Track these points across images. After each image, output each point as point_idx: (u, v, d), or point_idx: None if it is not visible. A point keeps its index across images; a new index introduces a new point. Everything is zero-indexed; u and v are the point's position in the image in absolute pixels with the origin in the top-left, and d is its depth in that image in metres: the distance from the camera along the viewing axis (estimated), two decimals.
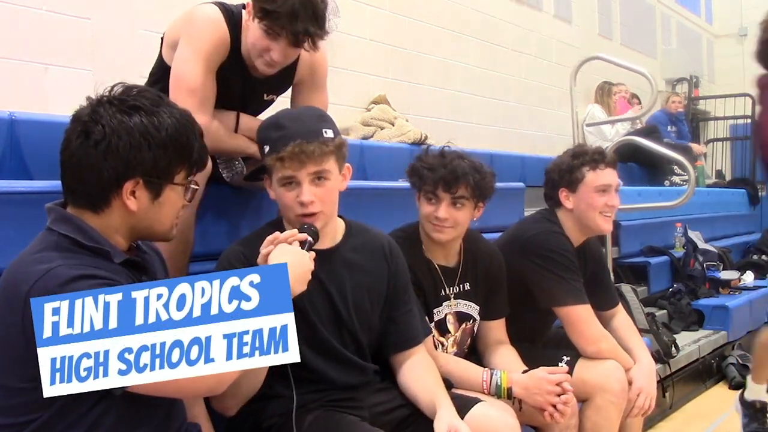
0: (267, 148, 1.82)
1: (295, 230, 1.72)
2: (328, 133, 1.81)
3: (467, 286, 2.38)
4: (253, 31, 2.09)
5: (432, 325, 2.29)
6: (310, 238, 1.71)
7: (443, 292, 2.33)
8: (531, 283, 2.54)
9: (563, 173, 2.62)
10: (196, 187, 1.51)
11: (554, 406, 2.11)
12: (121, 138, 1.35)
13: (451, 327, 2.36)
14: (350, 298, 1.91)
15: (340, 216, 1.97)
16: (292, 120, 1.84)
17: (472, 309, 2.40)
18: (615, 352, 2.52)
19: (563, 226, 2.63)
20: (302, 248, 1.68)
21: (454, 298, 2.35)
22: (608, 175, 2.58)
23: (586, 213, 2.59)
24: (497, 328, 2.45)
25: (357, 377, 1.93)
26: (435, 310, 2.31)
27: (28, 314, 1.26)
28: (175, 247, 2.05)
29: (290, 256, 1.60)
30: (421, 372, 1.97)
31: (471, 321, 2.41)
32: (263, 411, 1.83)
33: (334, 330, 1.89)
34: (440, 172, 2.19)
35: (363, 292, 1.94)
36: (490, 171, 2.28)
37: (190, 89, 2.09)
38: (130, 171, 1.37)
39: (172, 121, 1.40)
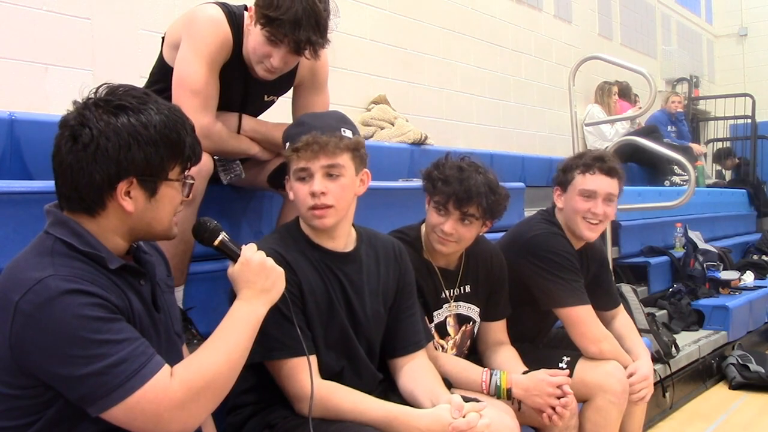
0: (287, 145, 1.84)
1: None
2: (347, 133, 1.83)
3: (467, 289, 2.38)
4: (254, 36, 2.08)
5: (432, 326, 2.28)
6: (224, 236, 1.60)
7: (443, 295, 2.32)
8: (532, 284, 2.54)
9: (560, 171, 2.63)
10: (192, 181, 1.50)
11: (553, 408, 2.11)
12: (110, 139, 1.33)
13: (450, 329, 2.35)
14: (368, 302, 1.91)
15: None
16: (314, 118, 1.89)
17: (472, 311, 2.40)
18: (616, 353, 2.52)
19: (563, 226, 2.63)
20: (228, 255, 1.59)
21: (454, 301, 2.34)
22: (597, 182, 2.53)
23: (569, 215, 2.59)
24: (498, 329, 2.44)
25: (367, 382, 1.92)
26: (435, 313, 2.30)
27: (15, 323, 1.26)
28: (176, 248, 2.05)
29: (256, 282, 1.54)
30: (422, 376, 1.96)
31: (471, 323, 2.40)
32: (271, 413, 1.83)
33: (353, 333, 1.89)
34: (454, 187, 2.13)
35: (378, 295, 1.95)
36: (505, 192, 2.22)
37: (194, 90, 2.09)
38: (122, 171, 1.35)
39: (160, 118, 1.38)
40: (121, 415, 1.29)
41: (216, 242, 1.59)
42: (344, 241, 1.91)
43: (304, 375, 1.72)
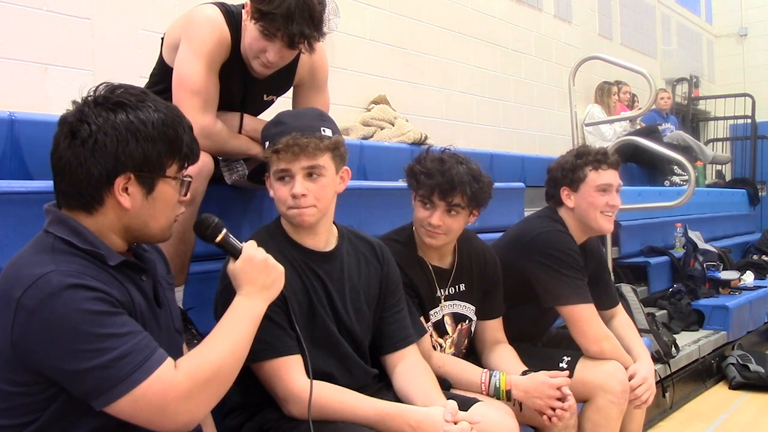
0: (267, 144, 1.84)
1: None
2: (326, 132, 1.82)
3: (462, 287, 2.37)
4: (250, 32, 2.09)
5: (430, 326, 2.29)
6: (226, 232, 1.59)
7: (438, 293, 2.32)
8: (535, 281, 2.54)
9: (566, 172, 2.63)
10: (190, 179, 1.50)
11: (553, 410, 2.11)
12: (108, 135, 1.36)
13: (449, 328, 2.35)
14: (349, 299, 1.92)
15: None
16: (293, 117, 1.88)
17: (468, 309, 2.40)
18: (617, 352, 2.52)
19: (567, 224, 2.64)
20: (229, 252, 1.59)
21: (447, 300, 2.34)
22: (610, 176, 2.60)
23: (587, 212, 2.60)
24: (495, 327, 2.44)
25: (359, 379, 1.92)
26: (432, 312, 2.30)
27: (18, 319, 1.26)
28: (176, 248, 2.05)
29: (252, 276, 1.55)
30: (416, 376, 1.96)
31: (467, 321, 2.40)
32: (265, 415, 1.82)
33: (337, 331, 1.89)
34: (437, 178, 2.16)
35: (360, 293, 1.95)
36: (489, 179, 2.24)
37: (194, 90, 2.09)
38: (120, 167, 1.37)
39: (158, 115, 1.40)
40: (127, 407, 1.29)
41: (218, 239, 1.59)
42: (325, 238, 1.91)
43: (289, 375, 1.72)
